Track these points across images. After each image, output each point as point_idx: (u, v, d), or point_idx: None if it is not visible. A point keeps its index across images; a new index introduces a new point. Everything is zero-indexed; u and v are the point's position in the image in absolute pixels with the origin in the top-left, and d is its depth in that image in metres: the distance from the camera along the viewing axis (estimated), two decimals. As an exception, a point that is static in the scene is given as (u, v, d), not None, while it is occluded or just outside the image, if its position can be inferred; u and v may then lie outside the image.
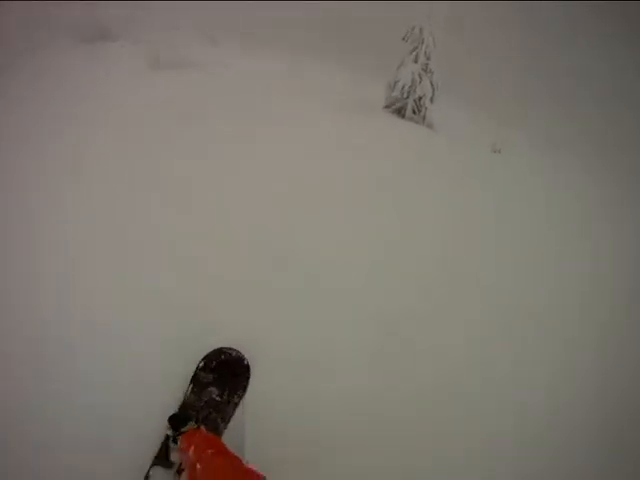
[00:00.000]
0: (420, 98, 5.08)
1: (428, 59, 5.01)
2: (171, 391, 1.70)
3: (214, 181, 2.67)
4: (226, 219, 2.42)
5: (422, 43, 4.95)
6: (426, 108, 5.10)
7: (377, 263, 2.50)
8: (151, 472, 1.53)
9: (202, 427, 1.52)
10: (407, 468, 1.65)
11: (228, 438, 1.59)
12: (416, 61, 5.01)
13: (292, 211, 2.63)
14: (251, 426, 1.67)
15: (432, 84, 5.05)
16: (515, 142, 5.02)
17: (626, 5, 8.04)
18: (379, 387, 1.93)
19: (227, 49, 5.01)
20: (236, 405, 1.73)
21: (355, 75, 5.25)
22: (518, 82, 6.90)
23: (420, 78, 5.03)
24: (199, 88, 3.76)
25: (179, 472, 1.54)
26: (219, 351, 1.80)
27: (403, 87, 5.04)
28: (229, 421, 1.70)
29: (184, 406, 1.69)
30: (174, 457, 1.54)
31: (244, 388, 1.77)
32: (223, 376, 1.76)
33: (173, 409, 1.64)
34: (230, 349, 1.81)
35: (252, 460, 1.34)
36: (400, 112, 5.22)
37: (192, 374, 1.74)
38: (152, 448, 1.56)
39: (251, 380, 1.78)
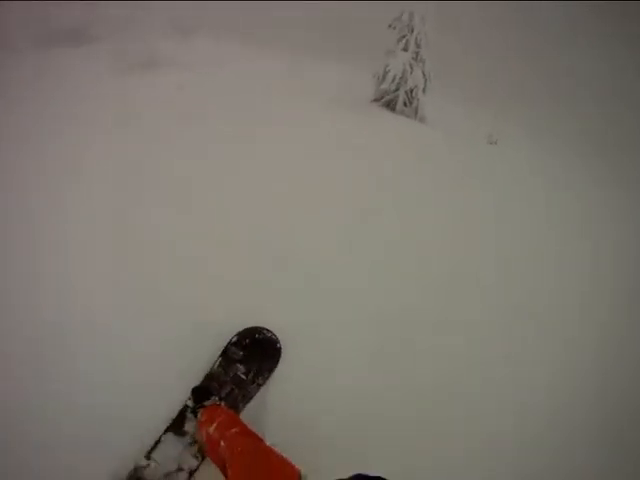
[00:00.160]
0: (412, 90, 4.75)
1: (419, 47, 4.66)
2: (170, 390, 1.70)
3: (214, 181, 2.67)
4: (226, 219, 2.42)
5: (412, 31, 4.59)
6: (418, 100, 4.76)
7: (377, 263, 2.50)
8: (163, 438, 1.53)
9: (223, 403, 1.52)
10: (407, 468, 1.64)
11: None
12: (406, 49, 4.65)
13: (292, 211, 2.63)
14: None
15: (424, 74, 4.71)
16: (514, 141, 5.02)
17: (626, 5, 8.05)
18: (379, 387, 1.93)
19: (227, 49, 5.00)
20: (259, 387, 1.73)
21: (356, 75, 5.23)
22: (516, 81, 6.88)
23: (411, 68, 4.69)
24: (199, 88, 3.76)
25: (194, 443, 1.54)
26: (254, 329, 1.79)
27: (394, 78, 4.68)
28: (248, 402, 1.70)
29: (209, 377, 1.68)
30: (189, 427, 1.55)
31: (270, 371, 1.76)
32: (253, 355, 1.75)
33: (173, 408, 1.64)
34: (266, 329, 1.80)
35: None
36: (390, 105, 4.87)
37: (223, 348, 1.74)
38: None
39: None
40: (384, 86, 4.76)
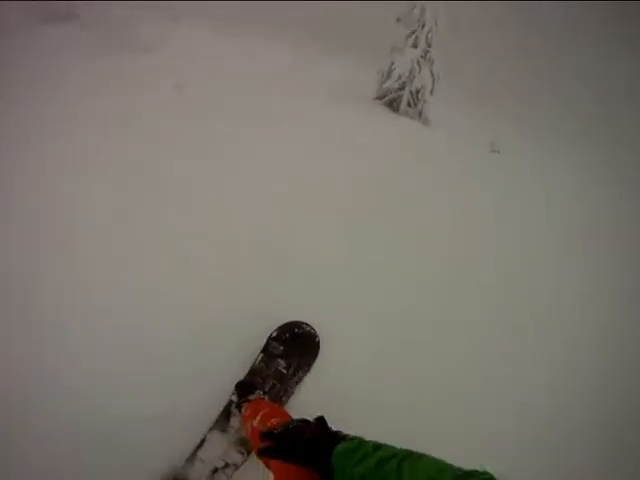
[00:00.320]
0: (417, 90, 4.43)
1: (429, 45, 4.34)
2: (168, 390, 1.70)
3: (214, 181, 2.67)
4: (226, 219, 2.42)
5: (423, 26, 4.26)
6: (424, 101, 4.46)
7: (377, 263, 2.50)
8: (208, 435, 1.54)
9: (266, 397, 1.52)
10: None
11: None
12: (415, 46, 4.35)
13: (292, 211, 2.63)
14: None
15: (432, 74, 4.39)
16: (514, 141, 5.01)
17: (626, 5, 8.05)
18: (379, 387, 1.93)
19: (227, 48, 4.99)
20: (298, 382, 1.75)
21: (359, 73, 5.20)
22: (516, 80, 6.85)
23: (419, 67, 4.37)
24: (199, 88, 3.76)
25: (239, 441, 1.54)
26: (294, 324, 1.81)
27: (400, 76, 4.38)
28: (290, 396, 1.72)
29: (252, 372, 1.69)
30: (234, 422, 1.55)
31: (309, 365, 1.78)
32: (293, 349, 1.77)
33: (172, 408, 1.64)
34: (305, 323, 1.82)
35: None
36: (393, 104, 4.61)
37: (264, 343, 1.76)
38: (151, 446, 1.56)
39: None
40: (388, 84, 4.50)
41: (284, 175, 2.88)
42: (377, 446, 0.89)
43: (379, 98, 4.70)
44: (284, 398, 1.70)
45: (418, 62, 4.37)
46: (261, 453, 0.96)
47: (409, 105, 4.54)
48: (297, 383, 1.76)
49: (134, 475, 1.51)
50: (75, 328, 1.79)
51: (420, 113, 4.53)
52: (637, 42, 7.86)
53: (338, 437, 0.97)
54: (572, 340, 2.47)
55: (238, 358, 1.80)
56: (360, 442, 0.91)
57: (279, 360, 1.73)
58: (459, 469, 0.79)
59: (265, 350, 1.76)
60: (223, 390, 1.69)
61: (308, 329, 1.83)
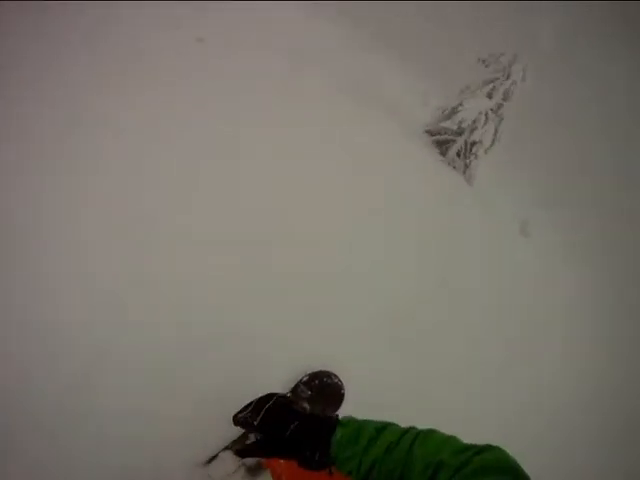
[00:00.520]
0: (474, 143, 3.91)
1: (505, 100, 3.86)
2: (167, 389, 1.70)
3: (214, 181, 2.67)
4: (226, 219, 2.42)
5: (507, 77, 3.79)
6: (476, 157, 3.91)
7: (377, 263, 2.51)
8: (220, 454, 1.54)
9: None
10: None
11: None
12: (490, 97, 3.87)
13: (293, 212, 2.63)
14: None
15: (496, 132, 3.91)
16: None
17: (626, 5, 8.05)
18: (379, 387, 1.93)
19: (227, 49, 4.99)
20: None
21: (358, 75, 5.21)
22: (576, 171, 5.82)
23: (486, 119, 3.87)
24: (199, 88, 3.75)
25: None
26: (324, 373, 1.86)
27: (461, 121, 3.89)
28: None
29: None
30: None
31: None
32: (319, 396, 1.81)
33: (170, 407, 1.64)
34: (334, 374, 1.88)
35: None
36: (442, 146, 4.11)
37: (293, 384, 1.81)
38: (149, 445, 1.56)
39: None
40: (446, 124, 4.04)
41: (284, 175, 2.88)
42: (379, 427, 0.85)
43: (430, 134, 4.27)
44: None
45: (487, 114, 3.89)
46: (241, 453, 0.92)
47: (458, 155, 4.05)
48: None
49: (136, 470, 1.51)
50: (75, 328, 1.78)
51: (466, 167, 4.02)
52: (637, 42, 7.86)
53: (328, 422, 0.89)
54: (572, 340, 2.48)
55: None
56: (359, 425, 0.86)
57: (305, 404, 1.76)
58: (472, 445, 0.77)
59: (294, 391, 1.81)
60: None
61: (336, 380, 1.88)
